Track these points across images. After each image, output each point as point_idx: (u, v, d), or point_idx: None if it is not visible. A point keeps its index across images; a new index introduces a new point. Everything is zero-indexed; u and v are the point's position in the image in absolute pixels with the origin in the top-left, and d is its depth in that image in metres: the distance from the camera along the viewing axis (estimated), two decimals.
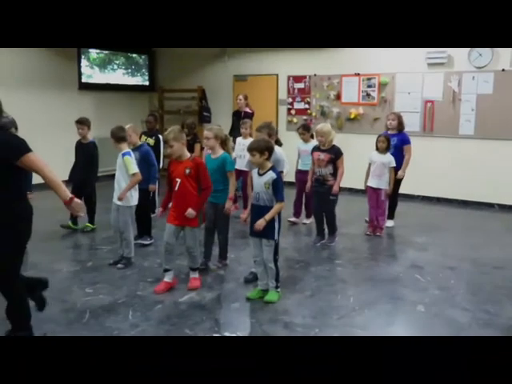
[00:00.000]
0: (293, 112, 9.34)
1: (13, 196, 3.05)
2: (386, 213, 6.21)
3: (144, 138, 6.59)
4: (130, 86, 10.60)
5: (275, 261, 4.06)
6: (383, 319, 3.83)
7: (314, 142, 6.32)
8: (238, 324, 3.70)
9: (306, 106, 9.18)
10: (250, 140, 5.50)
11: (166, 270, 4.28)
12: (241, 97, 8.13)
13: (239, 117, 7.90)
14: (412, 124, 8.12)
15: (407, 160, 6.30)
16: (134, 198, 4.84)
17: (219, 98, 10.02)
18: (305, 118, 9.17)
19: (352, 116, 8.65)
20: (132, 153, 4.88)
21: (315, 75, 8.99)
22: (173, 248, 4.25)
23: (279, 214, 4.02)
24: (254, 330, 3.64)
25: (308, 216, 6.54)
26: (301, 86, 9.20)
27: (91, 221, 6.10)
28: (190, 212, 4.12)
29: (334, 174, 5.47)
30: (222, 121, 8.50)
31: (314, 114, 9.09)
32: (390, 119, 6.42)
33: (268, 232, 3.98)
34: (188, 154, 4.24)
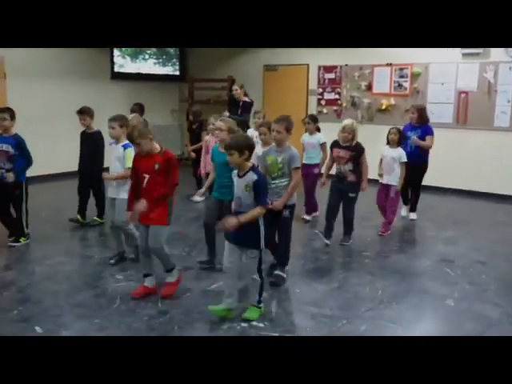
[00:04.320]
0: (323, 102, 9.27)
1: None
2: (398, 212, 5.92)
3: None
4: (161, 76, 10.69)
5: (260, 272, 3.59)
6: (412, 313, 3.80)
7: (319, 135, 6.20)
8: (265, 313, 3.71)
9: (337, 96, 9.10)
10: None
11: (146, 275, 3.95)
12: (236, 87, 7.78)
13: (237, 107, 7.69)
14: (445, 115, 7.99)
15: (426, 145, 6.16)
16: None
17: (249, 88, 9.96)
18: (335, 108, 9.10)
19: (383, 107, 8.53)
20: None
21: (346, 65, 8.89)
22: (148, 251, 3.88)
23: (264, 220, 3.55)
24: (281, 320, 3.66)
25: (308, 213, 6.24)
26: (331, 76, 9.11)
27: (100, 215, 5.91)
28: (141, 205, 3.70)
29: (354, 171, 5.16)
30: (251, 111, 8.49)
31: (344, 104, 9.01)
32: (410, 111, 6.34)
33: (251, 241, 3.50)
34: (158, 148, 3.81)
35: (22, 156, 5.00)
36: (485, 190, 7.79)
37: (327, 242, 5.26)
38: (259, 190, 3.44)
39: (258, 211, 3.45)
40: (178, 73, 10.97)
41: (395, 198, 5.69)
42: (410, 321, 3.67)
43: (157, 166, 3.71)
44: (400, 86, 8.41)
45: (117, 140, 4.60)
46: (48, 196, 7.25)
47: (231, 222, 3.39)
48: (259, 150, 4.89)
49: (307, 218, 6.21)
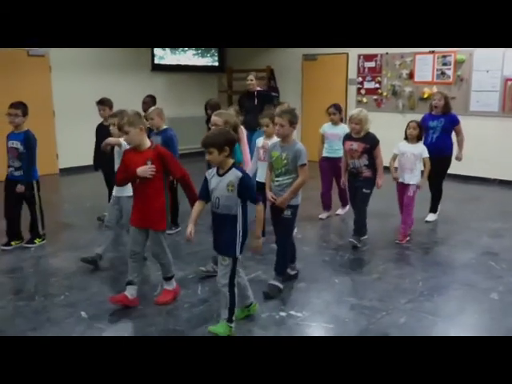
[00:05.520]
0: (363, 92, 9.14)
1: None
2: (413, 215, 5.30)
3: None
4: (200, 67, 10.77)
5: (231, 286, 3.18)
6: (453, 305, 3.73)
7: (343, 126, 5.77)
8: (303, 303, 3.73)
9: (377, 85, 8.95)
10: None
11: (129, 283, 3.60)
12: (251, 77, 7.31)
13: (252, 98, 7.37)
14: (490, 104, 7.75)
15: (462, 140, 5.74)
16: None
17: (288, 78, 9.99)
18: (375, 97, 8.96)
19: (425, 96, 8.33)
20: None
21: (387, 53, 8.72)
22: (140, 257, 3.63)
23: (245, 225, 3.20)
24: (320, 310, 3.66)
25: (343, 205, 6.04)
26: (371, 64, 8.97)
27: None
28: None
29: (370, 165, 4.76)
30: (290, 101, 8.45)
31: (384, 93, 8.86)
32: (437, 99, 5.66)
33: (224, 246, 3.17)
34: (148, 143, 3.52)
35: (27, 154, 4.70)
36: None
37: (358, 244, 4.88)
38: (246, 188, 3.13)
39: (259, 211, 3.22)
40: (216, 64, 11.03)
41: (413, 198, 5.11)
42: (451, 314, 3.61)
43: (149, 163, 3.43)
44: (443, 73, 8.20)
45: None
46: (92, 186, 7.45)
47: (257, 245, 3.30)
48: (260, 140, 4.83)
49: (341, 212, 6.07)
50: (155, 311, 3.58)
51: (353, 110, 4.99)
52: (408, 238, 5.11)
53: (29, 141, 4.71)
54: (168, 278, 3.74)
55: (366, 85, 9.09)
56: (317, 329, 3.41)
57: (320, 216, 5.93)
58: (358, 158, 4.78)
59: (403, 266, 4.50)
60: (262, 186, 4.58)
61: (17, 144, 4.70)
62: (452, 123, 5.68)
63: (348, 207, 5.95)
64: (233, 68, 10.58)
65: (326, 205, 6.00)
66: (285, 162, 3.81)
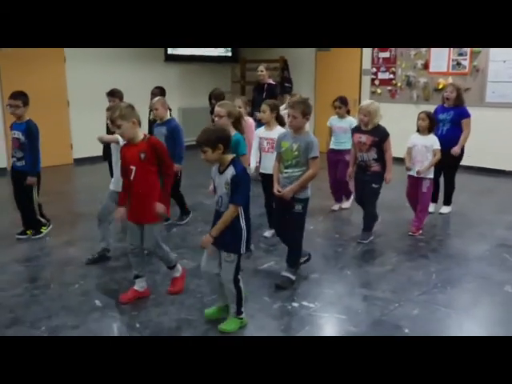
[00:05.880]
0: (377, 82, 9.07)
1: None
2: (429, 209, 5.32)
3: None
4: (214, 58, 10.75)
5: (236, 281, 3.16)
6: (467, 298, 3.72)
7: (351, 119, 5.65)
8: (316, 294, 3.74)
9: (391, 76, 8.87)
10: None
11: (137, 277, 3.64)
12: (262, 68, 7.30)
13: (261, 90, 7.33)
14: (507, 95, 7.65)
15: (466, 135, 5.51)
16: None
17: (301, 69, 9.93)
18: (389, 88, 8.89)
19: (440, 86, 8.23)
20: None
21: None
22: (139, 251, 3.59)
23: (248, 220, 3.14)
24: (332, 300, 3.67)
25: (347, 198, 5.93)
26: (386, 55, 8.88)
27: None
28: (161, 207, 3.39)
29: (379, 159, 4.63)
30: (303, 92, 8.43)
31: (399, 84, 8.77)
32: (448, 91, 5.56)
33: (229, 242, 3.10)
34: (141, 136, 3.42)
35: (29, 144, 4.64)
36: None
37: (366, 240, 4.81)
38: (235, 186, 3.01)
39: (229, 214, 3.04)
40: (230, 54, 11.00)
41: (427, 194, 5.04)
42: (465, 306, 3.59)
43: (142, 155, 3.34)
44: (458, 64, 8.09)
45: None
46: (106, 176, 7.48)
47: (206, 243, 3.09)
48: (261, 131, 4.75)
49: (346, 206, 5.92)
50: (168, 300, 3.61)
51: (364, 102, 4.90)
52: (421, 231, 5.08)
53: (30, 131, 4.63)
54: (172, 267, 3.72)
55: (380, 75, 9.01)
56: (329, 319, 3.41)
57: (332, 208, 5.91)
58: (366, 152, 4.65)
59: (416, 257, 4.48)
60: (266, 177, 4.57)
61: (18, 134, 4.64)
62: (460, 116, 5.52)
63: (350, 201, 5.88)
64: (246, 58, 10.54)
65: (337, 197, 5.96)
66: (296, 153, 3.72)
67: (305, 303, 3.59)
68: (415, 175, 5.02)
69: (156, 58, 9.58)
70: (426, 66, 8.44)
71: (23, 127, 4.63)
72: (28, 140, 4.63)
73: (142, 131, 3.50)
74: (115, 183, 4.11)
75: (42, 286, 3.85)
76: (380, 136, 4.59)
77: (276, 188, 3.82)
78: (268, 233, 4.93)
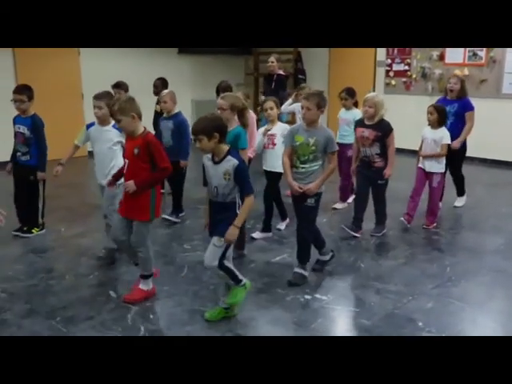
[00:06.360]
0: (391, 74, 8.98)
1: None
2: (440, 204, 5.24)
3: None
4: (227, 50, 10.70)
5: (221, 264, 3.11)
6: (482, 291, 3.69)
7: (356, 111, 5.45)
8: (328, 287, 3.74)
9: (406, 67, 8.77)
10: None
11: (137, 264, 3.58)
12: (273, 59, 7.15)
13: (271, 81, 7.24)
14: None
15: (468, 128, 5.33)
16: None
17: (315, 61, 9.87)
18: (404, 80, 8.79)
19: None
20: None
21: None
22: (126, 245, 3.47)
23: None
24: (345, 294, 3.67)
25: (343, 200, 5.69)
26: None
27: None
28: (130, 184, 3.27)
29: (382, 154, 4.52)
30: (317, 83, 8.39)
31: (414, 76, 8.68)
32: (452, 82, 5.36)
33: (223, 228, 3.02)
34: (141, 129, 3.36)
35: (35, 139, 4.56)
36: None
37: (356, 234, 4.69)
38: (243, 177, 3.00)
39: (248, 204, 3.02)
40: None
41: (438, 188, 4.98)
42: (480, 300, 3.56)
43: (136, 151, 3.28)
44: (475, 55, 7.97)
45: (103, 122, 4.12)
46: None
47: (233, 235, 3.02)
48: (262, 128, 4.74)
49: (339, 206, 5.65)
50: (182, 291, 3.63)
51: (370, 93, 4.78)
52: (435, 224, 5.04)
53: (36, 126, 4.55)
54: (145, 277, 3.51)
55: (395, 67, 8.91)
56: (342, 312, 3.41)
57: (334, 206, 5.72)
58: (369, 146, 4.53)
59: (430, 251, 4.45)
60: (270, 176, 4.60)
61: (23, 129, 4.56)
62: (464, 108, 5.36)
63: (348, 202, 5.69)
64: (259, 50, 10.50)
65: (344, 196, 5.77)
66: (313, 148, 3.63)
67: (317, 296, 3.59)
68: (425, 169, 4.94)
69: (169, 50, 9.58)
70: (441, 57, 8.33)
71: (28, 122, 4.55)
72: (34, 134, 4.56)
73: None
74: (101, 176, 4.08)
75: (57, 277, 3.90)
76: (383, 131, 4.48)
77: (295, 186, 3.69)
78: (281, 225, 4.93)
